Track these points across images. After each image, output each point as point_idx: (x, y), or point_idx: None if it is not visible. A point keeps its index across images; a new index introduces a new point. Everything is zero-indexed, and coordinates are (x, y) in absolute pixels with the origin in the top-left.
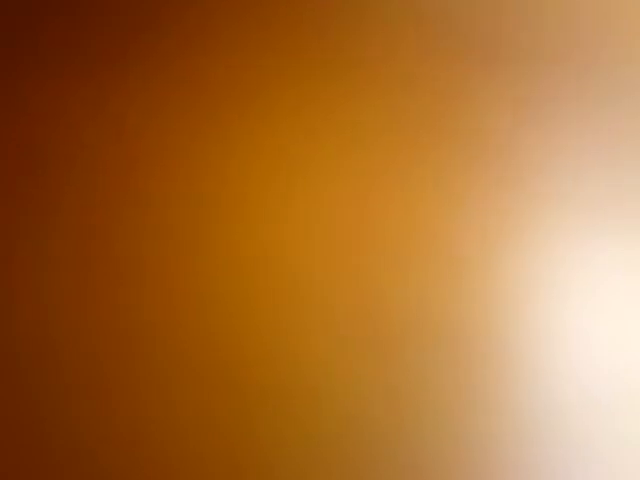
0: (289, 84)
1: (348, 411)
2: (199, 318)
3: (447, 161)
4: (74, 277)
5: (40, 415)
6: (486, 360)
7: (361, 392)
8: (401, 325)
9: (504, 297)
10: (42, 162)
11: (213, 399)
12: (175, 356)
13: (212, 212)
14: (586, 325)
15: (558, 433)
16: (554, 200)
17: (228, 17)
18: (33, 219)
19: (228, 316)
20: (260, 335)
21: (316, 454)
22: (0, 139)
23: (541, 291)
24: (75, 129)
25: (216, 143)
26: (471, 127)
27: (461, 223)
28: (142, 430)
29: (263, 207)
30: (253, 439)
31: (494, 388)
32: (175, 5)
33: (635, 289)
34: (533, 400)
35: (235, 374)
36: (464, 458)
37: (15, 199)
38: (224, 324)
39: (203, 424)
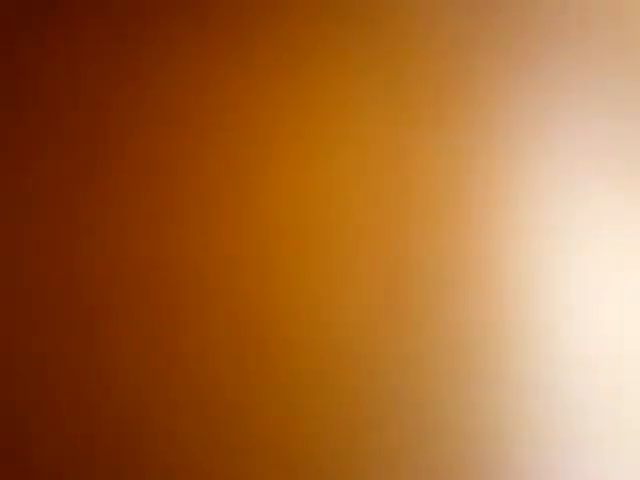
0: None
1: (364, 355)
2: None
3: (453, 115)
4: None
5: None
6: (491, 291)
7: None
8: (418, 261)
9: (508, 234)
10: (48, 97)
11: (243, 354)
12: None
13: (235, 154)
14: (586, 265)
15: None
16: (559, 144)
17: None
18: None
19: (245, 266)
20: (282, 278)
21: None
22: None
23: (542, 233)
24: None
25: (235, 79)
26: (474, 79)
27: (468, 169)
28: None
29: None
30: (277, 386)
31: (499, 321)
32: None
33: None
34: (535, 337)
35: (258, 326)
36: (468, 393)
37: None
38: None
39: (235, 374)
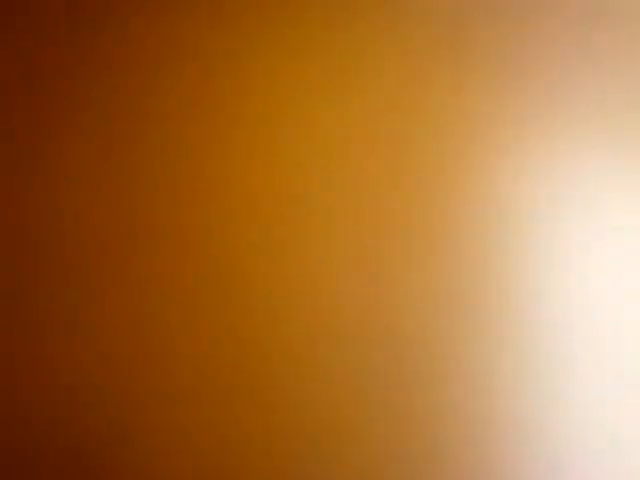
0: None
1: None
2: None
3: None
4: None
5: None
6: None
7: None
8: (401, 232)
9: (504, 206)
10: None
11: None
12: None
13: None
14: (584, 237)
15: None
16: (559, 109)
17: None
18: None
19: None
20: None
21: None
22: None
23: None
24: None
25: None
26: (479, 40)
27: (467, 135)
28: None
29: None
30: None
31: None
32: None
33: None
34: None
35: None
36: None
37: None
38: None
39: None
